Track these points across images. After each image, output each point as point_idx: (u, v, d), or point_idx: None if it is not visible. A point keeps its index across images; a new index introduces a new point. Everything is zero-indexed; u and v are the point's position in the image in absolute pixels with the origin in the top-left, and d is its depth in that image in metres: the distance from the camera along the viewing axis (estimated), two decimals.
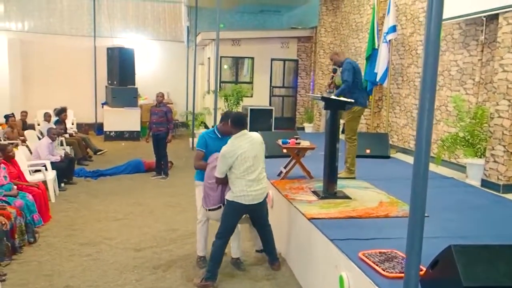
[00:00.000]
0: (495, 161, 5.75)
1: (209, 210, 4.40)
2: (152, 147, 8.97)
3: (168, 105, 9.49)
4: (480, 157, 6.10)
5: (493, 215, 4.67)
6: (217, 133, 4.63)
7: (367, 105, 6.59)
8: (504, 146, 5.62)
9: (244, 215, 4.40)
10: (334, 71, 6.51)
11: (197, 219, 4.81)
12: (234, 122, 4.24)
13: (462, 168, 6.66)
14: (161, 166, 8.91)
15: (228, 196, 4.22)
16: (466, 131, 6.34)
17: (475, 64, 6.72)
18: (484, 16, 6.29)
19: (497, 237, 3.83)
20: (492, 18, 6.19)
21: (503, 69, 5.65)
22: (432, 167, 6.55)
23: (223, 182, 4.27)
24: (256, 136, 4.33)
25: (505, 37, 5.61)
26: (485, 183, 5.88)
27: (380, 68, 8.60)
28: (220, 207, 4.33)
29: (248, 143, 4.16)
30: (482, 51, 6.57)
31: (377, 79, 8.67)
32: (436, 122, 7.57)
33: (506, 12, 5.58)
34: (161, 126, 8.70)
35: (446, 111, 7.36)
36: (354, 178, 6.01)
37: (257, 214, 4.44)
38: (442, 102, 7.44)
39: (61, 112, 10.48)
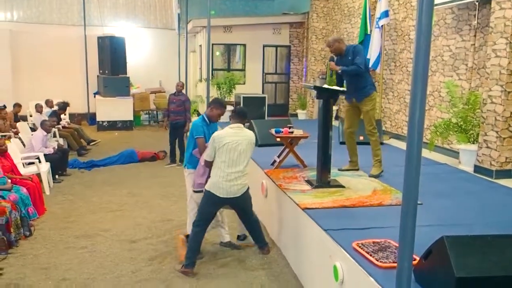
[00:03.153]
0: (488, 147, 5.79)
1: (194, 191, 4.65)
2: (169, 135, 9.01)
3: (161, 92, 9.46)
4: (473, 143, 6.13)
5: (486, 201, 4.71)
6: (206, 120, 4.82)
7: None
8: (496, 132, 5.65)
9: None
10: (332, 60, 5.64)
11: (188, 206, 4.92)
12: (237, 113, 4.47)
13: (455, 154, 6.69)
14: (175, 154, 9.00)
15: (206, 185, 4.36)
16: (459, 117, 6.35)
17: (467, 49, 6.71)
18: (477, 1, 6.26)
19: (489, 225, 3.87)
20: (485, 2, 6.16)
21: (495, 55, 5.65)
22: (425, 153, 6.55)
23: (210, 167, 4.39)
24: (250, 134, 4.42)
25: (497, 22, 5.60)
26: (478, 169, 5.92)
27: (372, 53, 8.57)
28: (202, 190, 4.48)
29: (238, 137, 4.27)
30: (475, 36, 6.55)
31: (370, 65, 8.63)
32: (429, 108, 7.58)
33: None
34: (179, 115, 8.80)
35: (439, 97, 7.37)
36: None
37: (237, 208, 4.55)
38: (435, 87, 7.45)
39: (63, 108, 10.51)
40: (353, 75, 5.40)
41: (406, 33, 8.36)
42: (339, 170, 5.66)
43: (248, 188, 4.49)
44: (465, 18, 6.76)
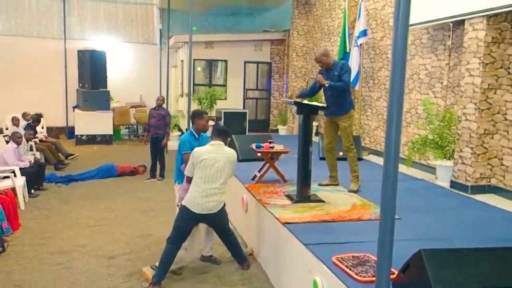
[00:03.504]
0: (463, 163, 5.93)
1: (178, 205, 4.64)
2: (150, 149, 8.97)
3: (142, 107, 9.44)
4: (449, 159, 6.27)
5: (461, 216, 4.80)
6: (194, 134, 4.89)
7: None
8: (471, 148, 5.80)
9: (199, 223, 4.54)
10: (321, 73, 5.67)
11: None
12: (217, 131, 4.51)
13: (432, 169, 6.83)
14: (156, 169, 8.94)
15: (183, 201, 4.37)
16: (435, 134, 6.50)
17: (443, 68, 6.91)
18: (451, 22, 6.48)
19: (466, 239, 3.94)
20: (459, 23, 6.38)
21: (469, 74, 5.83)
22: (403, 168, 6.71)
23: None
24: (230, 152, 4.43)
25: (470, 42, 5.80)
26: (454, 184, 6.05)
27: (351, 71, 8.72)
28: None
29: (217, 154, 4.29)
30: (449, 55, 6.76)
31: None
32: (406, 125, 7.74)
33: (472, 18, 5.77)
34: (159, 129, 8.80)
35: (416, 114, 7.53)
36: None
37: (212, 224, 4.57)
38: (412, 105, 7.62)
39: (37, 120, 10.33)
40: (337, 91, 5.46)
41: (384, 51, 8.57)
42: (319, 185, 5.71)
43: (224, 204, 4.48)
44: (440, 38, 6.97)
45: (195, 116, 4.94)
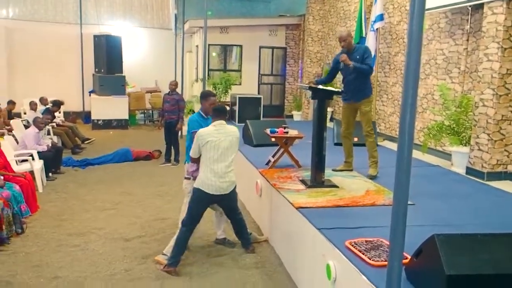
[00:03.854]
0: (479, 149, 5.85)
1: (184, 178, 4.80)
2: (164, 134, 9.03)
3: (157, 92, 9.50)
4: (465, 145, 6.19)
5: (477, 203, 4.76)
6: (203, 114, 4.93)
7: None
8: (488, 134, 5.71)
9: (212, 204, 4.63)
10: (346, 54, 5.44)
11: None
12: (214, 111, 4.55)
13: (447, 156, 6.75)
14: (170, 154, 9.01)
15: (195, 183, 4.42)
16: (452, 120, 6.41)
17: (460, 53, 6.78)
18: (470, 6, 6.33)
19: (480, 225, 3.91)
20: (478, 7, 6.23)
21: (487, 59, 5.71)
22: (419, 155, 6.65)
23: (197, 163, 4.48)
24: (232, 130, 4.48)
25: (489, 26, 5.66)
26: (469, 171, 5.98)
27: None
28: (190, 178, 4.69)
29: (221, 134, 4.34)
30: (467, 40, 6.62)
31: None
32: (422, 111, 7.65)
33: (491, 1, 5.62)
34: (173, 114, 8.85)
35: (432, 100, 7.43)
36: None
37: (224, 205, 4.63)
38: (429, 90, 7.51)
39: (58, 105, 10.52)
40: (357, 75, 5.35)
41: (400, 36, 8.43)
42: (333, 170, 5.69)
43: (236, 186, 4.54)
44: (458, 23, 6.83)
45: (201, 97, 5.03)
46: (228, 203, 4.60)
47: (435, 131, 6.51)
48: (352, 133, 5.79)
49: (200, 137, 4.31)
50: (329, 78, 5.74)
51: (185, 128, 11.41)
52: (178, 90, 10.46)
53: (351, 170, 5.79)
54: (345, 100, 5.67)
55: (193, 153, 4.42)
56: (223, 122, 4.45)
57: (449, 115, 6.45)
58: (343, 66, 5.46)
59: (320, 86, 5.23)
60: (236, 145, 4.48)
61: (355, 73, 5.36)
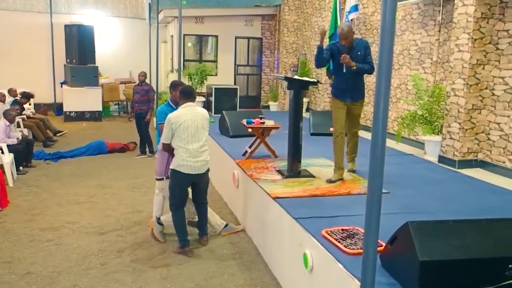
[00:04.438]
0: (451, 138, 5.98)
1: (156, 179, 4.90)
2: (135, 126, 8.92)
3: (131, 83, 9.35)
4: (438, 134, 6.32)
5: (449, 190, 4.87)
6: (172, 104, 4.94)
7: None
8: (459, 123, 5.85)
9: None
10: (341, 51, 4.96)
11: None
12: (182, 93, 4.54)
13: (421, 144, 6.89)
14: (145, 145, 8.93)
15: (171, 165, 4.47)
16: (425, 109, 6.53)
17: (432, 43, 6.89)
18: None
19: (452, 212, 4.01)
20: None
21: (458, 49, 5.82)
22: (393, 144, 6.76)
23: (169, 150, 4.50)
24: (202, 110, 4.59)
25: (460, 17, 5.77)
26: (442, 159, 6.12)
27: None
28: (163, 178, 4.80)
29: (192, 115, 4.40)
30: (439, 31, 6.74)
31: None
32: (396, 101, 7.76)
33: None
34: (143, 105, 8.76)
35: (406, 90, 7.55)
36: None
37: (197, 187, 4.66)
38: (402, 80, 7.62)
39: (27, 97, 10.23)
40: (359, 74, 4.95)
41: (374, 27, 8.50)
42: (328, 181, 4.91)
43: (209, 168, 4.60)
44: (430, 14, 6.93)
45: (171, 87, 5.01)
46: (200, 186, 4.64)
47: (409, 121, 6.62)
48: (344, 134, 5.16)
49: (173, 120, 4.33)
50: (326, 61, 5.13)
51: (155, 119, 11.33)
52: (153, 81, 10.31)
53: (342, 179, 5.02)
54: (342, 99, 5.03)
55: (165, 138, 4.42)
56: (191, 103, 4.49)
57: (422, 104, 6.57)
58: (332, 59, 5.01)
59: (296, 77, 5.22)
60: (207, 126, 4.55)
61: (353, 73, 4.88)
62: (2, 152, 6.91)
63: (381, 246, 2.93)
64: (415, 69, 7.30)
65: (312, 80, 5.28)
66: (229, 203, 6.03)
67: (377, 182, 2.28)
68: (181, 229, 4.56)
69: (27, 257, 4.47)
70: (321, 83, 5.50)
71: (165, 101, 12.88)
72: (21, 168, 7.56)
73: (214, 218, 5.05)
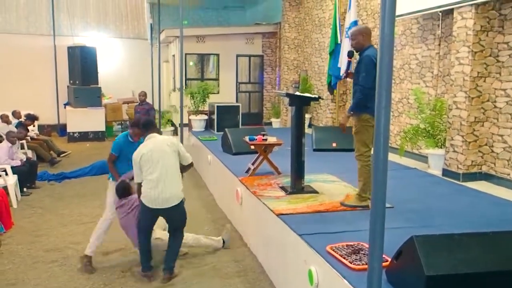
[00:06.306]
0: (454, 151, 5.97)
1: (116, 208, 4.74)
2: None
3: (134, 103, 9.46)
4: (441, 147, 6.31)
5: (454, 204, 4.84)
6: (130, 138, 4.89)
7: None
8: (462, 136, 5.84)
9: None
10: (350, 54, 4.76)
11: (102, 216, 4.93)
12: (144, 126, 4.44)
13: (424, 158, 6.87)
14: None
15: (141, 195, 4.31)
16: (427, 123, 6.54)
17: (433, 57, 6.94)
18: (440, 11, 6.50)
19: (458, 225, 3.98)
20: (448, 12, 6.40)
21: (459, 62, 5.86)
22: (396, 158, 6.75)
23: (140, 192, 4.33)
24: (163, 139, 4.39)
25: (460, 31, 5.82)
26: (446, 172, 6.09)
27: (343, 62, 8.73)
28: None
29: (152, 146, 4.23)
30: (439, 44, 6.78)
31: (341, 74, 8.80)
32: (398, 115, 7.77)
33: (461, 7, 5.78)
34: None
35: (407, 104, 7.57)
36: (367, 207, 4.32)
37: (168, 219, 4.44)
38: (404, 95, 7.65)
39: (32, 119, 10.32)
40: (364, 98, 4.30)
41: (374, 42, 8.55)
42: (342, 204, 4.64)
43: (182, 202, 4.33)
44: (429, 28, 6.99)
45: (131, 126, 4.94)
46: (170, 218, 4.38)
47: (411, 134, 6.62)
48: None
49: (135, 157, 4.20)
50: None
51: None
52: (155, 100, 10.38)
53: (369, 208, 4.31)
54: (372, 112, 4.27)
55: (137, 178, 4.26)
56: (154, 135, 4.35)
57: (424, 118, 6.58)
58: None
59: (297, 93, 5.25)
60: (171, 153, 4.25)
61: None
62: (6, 174, 6.93)
63: (387, 261, 2.91)
64: (416, 83, 7.32)
65: (313, 96, 5.31)
66: (232, 220, 6.00)
67: (380, 195, 2.28)
68: (141, 253, 4.40)
69: (31, 279, 4.45)
70: (322, 98, 5.51)
71: (168, 120, 12.92)
72: (25, 189, 7.57)
73: (206, 240, 4.95)
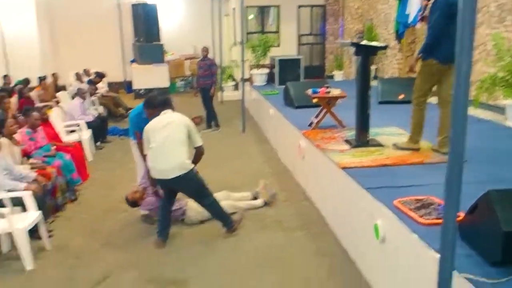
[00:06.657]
0: None
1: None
2: (202, 100, 9.11)
3: (196, 58, 9.53)
4: None
5: None
6: (143, 115, 4.62)
7: (449, 60, 4.00)
8: None
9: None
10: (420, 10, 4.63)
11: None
12: (161, 103, 4.38)
13: (500, 110, 6.38)
14: (211, 119, 9.12)
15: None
16: (506, 71, 6.00)
17: None
18: None
19: None
20: None
21: None
22: (470, 110, 6.30)
23: None
24: (177, 117, 4.30)
25: None
26: None
27: (412, 9, 8.16)
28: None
29: (166, 120, 4.20)
30: None
31: (409, 21, 8.25)
32: (474, 63, 7.20)
33: None
34: (207, 79, 8.88)
35: (484, 50, 6.98)
36: (418, 149, 4.63)
37: (179, 190, 4.39)
38: (481, 41, 7.04)
39: (100, 76, 10.79)
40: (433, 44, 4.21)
41: None
42: (394, 145, 4.80)
43: (190, 173, 4.16)
44: None
45: (145, 105, 4.59)
46: (180, 189, 4.36)
47: (488, 84, 6.12)
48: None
49: (145, 129, 4.22)
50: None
51: (226, 94, 11.45)
52: (217, 55, 10.35)
53: (418, 150, 4.67)
54: (443, 59, 4.20)
55: (145, 150, 4.28)
56: (168, 111, 4.32)
57: (504, 66, 6.04)
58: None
59: (364, 42, 4.99)
60: (177, 126, 4.18)
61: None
62: (81, 129, 7.34)
63: (459, 216, 2.76)
64: (496, 27, 6.70)
65: (380, 45, 5.03)
66: (295, 175, 6.00)
67: (458, 150, 2.13)
68: (159, 220, 4.41)
69: (106, 227, 4.78)
70: (389, 48, 5.20)
71: (229, 75, 12.98)
72: (98, 143, 8.00)
73: (244, 203, 4.97)
